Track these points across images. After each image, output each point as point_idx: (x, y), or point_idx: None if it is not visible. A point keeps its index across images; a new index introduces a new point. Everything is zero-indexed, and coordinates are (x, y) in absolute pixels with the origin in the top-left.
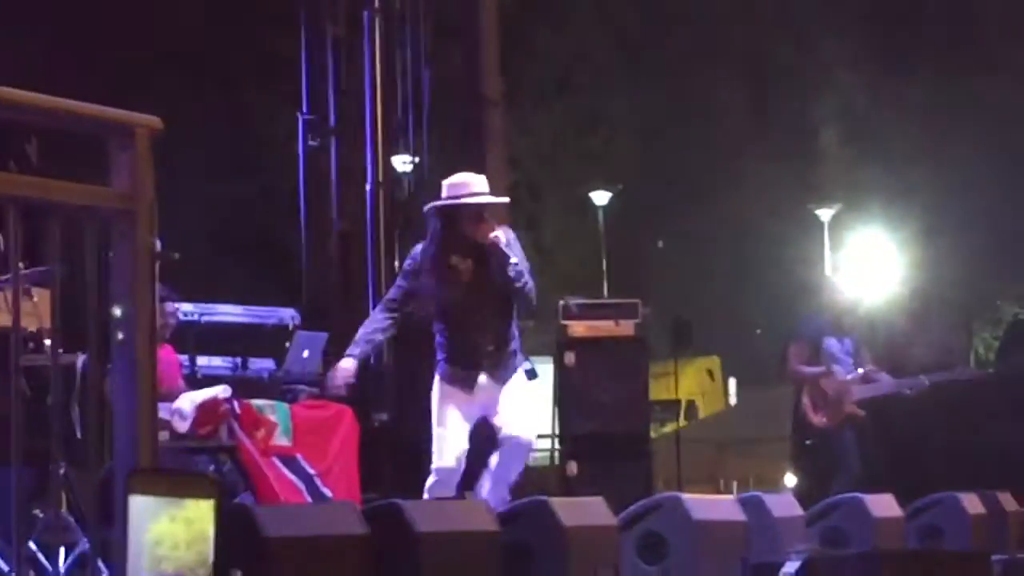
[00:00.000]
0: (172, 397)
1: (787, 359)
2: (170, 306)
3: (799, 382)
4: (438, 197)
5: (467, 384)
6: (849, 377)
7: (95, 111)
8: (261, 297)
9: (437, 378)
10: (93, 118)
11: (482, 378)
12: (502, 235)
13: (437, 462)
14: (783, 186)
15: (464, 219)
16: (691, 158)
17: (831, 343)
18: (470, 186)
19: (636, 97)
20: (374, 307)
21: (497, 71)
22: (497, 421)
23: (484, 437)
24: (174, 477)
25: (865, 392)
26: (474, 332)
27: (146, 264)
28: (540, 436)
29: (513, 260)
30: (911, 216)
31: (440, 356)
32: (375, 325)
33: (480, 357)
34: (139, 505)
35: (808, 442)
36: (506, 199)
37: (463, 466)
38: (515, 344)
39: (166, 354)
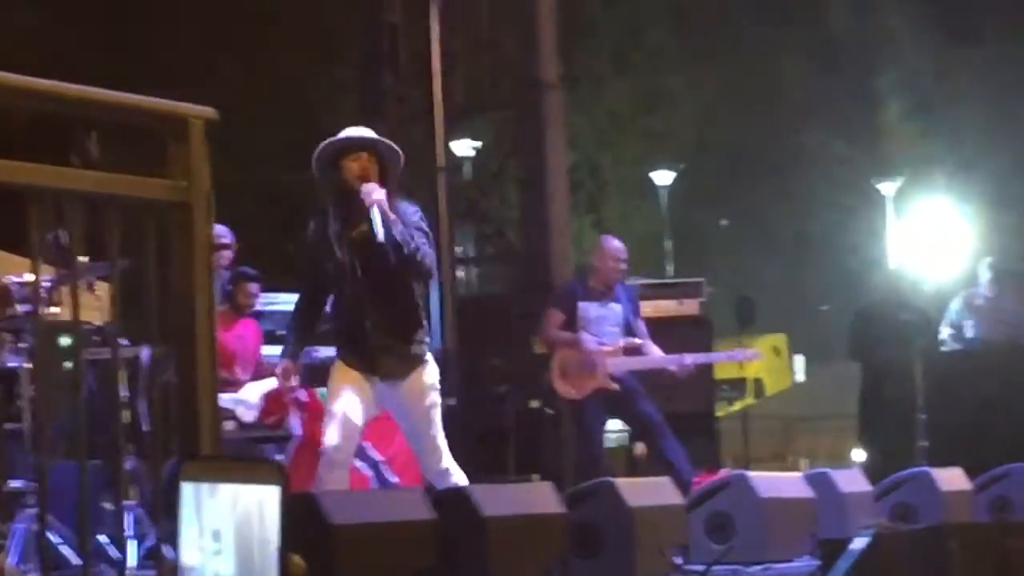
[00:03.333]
0: (255, 374)
1: (543, 325)
2: (254, 287)
3: (550, 347)
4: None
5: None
6: (607, 347)
7: (151, 104)
8: None
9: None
10: (149, 111)
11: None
12: (380, 196)
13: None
14: (846, 160)
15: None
16: (753, 135)
17: (588, 308)
18: (348, 132)
19: (695, 74)
20: (435, 291)
21: (554, 53)
22: (415, 447)
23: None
24: (237, 463)
25: (625, 365)
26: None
27: (204, 255)
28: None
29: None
30: (976, 189)
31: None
32: (296, 317)
33: (374, 349)
34: (198, 491)
35: (548, 410)
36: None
37: (353, 446)
38: (420, 334)
39: (247, 327)
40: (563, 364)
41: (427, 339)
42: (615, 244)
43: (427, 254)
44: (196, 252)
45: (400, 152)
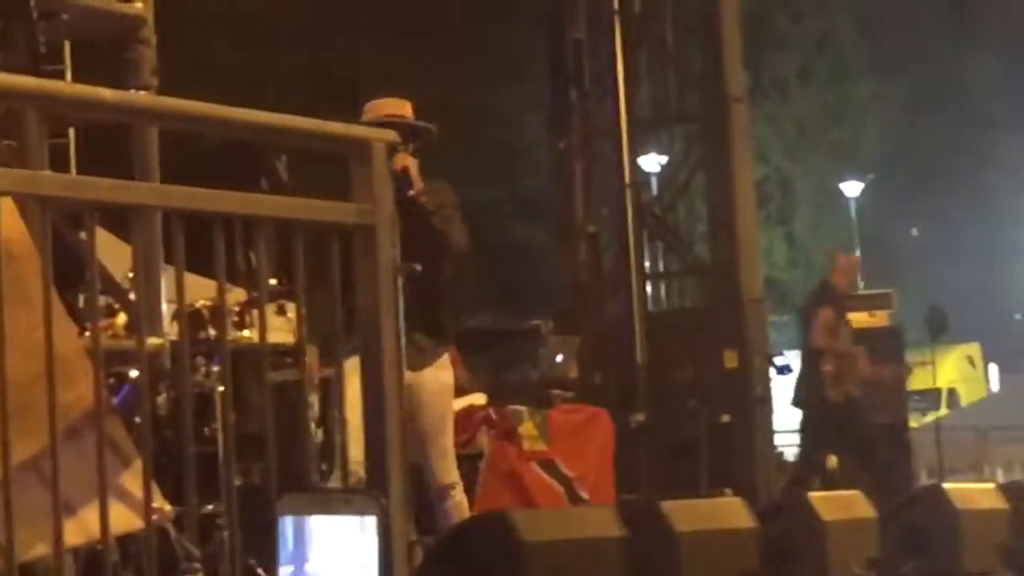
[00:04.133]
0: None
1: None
2: None
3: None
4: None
5: None
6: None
7: (335, 129)
8: (514, 303)
9: None
10: (333, 136)
11: None
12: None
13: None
14: None
15: None
16: (942, 142)
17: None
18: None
19: (883, 83)
20: (624, 310)
21: (740, 67)
22: (422, 453)
23: None
24: (335, 493)
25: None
26: None
27: (388, 277)
28: (797, 431)
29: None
30: None
31: None
32: None
33: None
34: (299, 525)
35: None
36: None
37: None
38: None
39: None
40: (838, 368)
41: (449, 336)
42: (851, 259)
43: (450, 227)
44: (381, 274)
45: (430, 128)
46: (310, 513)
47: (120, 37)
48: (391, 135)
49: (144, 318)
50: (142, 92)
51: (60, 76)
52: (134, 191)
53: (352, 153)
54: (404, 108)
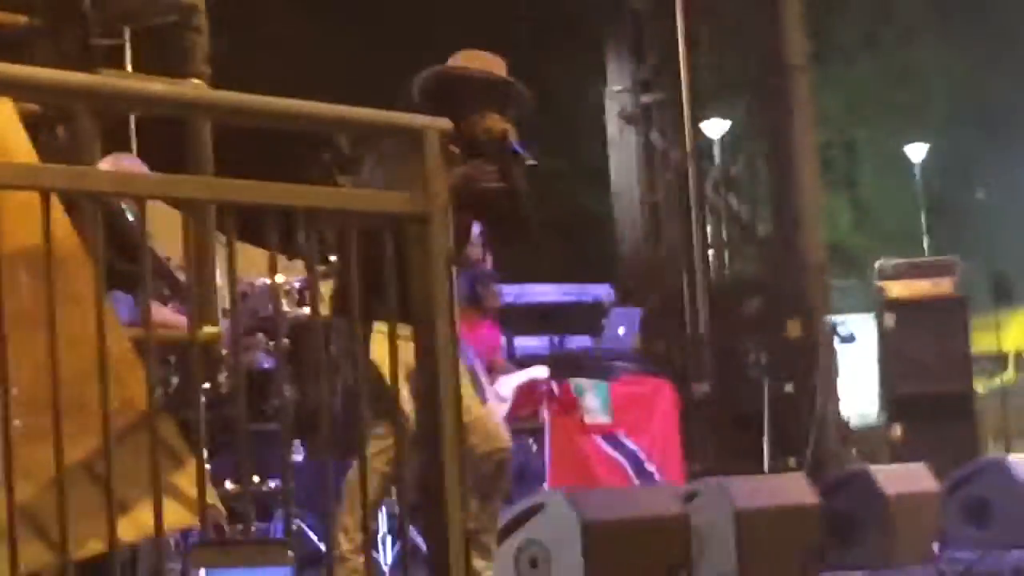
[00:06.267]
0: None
1: None
2: (495, 287)
3: None
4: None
5: None
6: None
7: (387, 117)
8: (576, 274)
9: None
10: (385, 124)
11: None
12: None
13: None
14: None
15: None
16: (1009, 104)
17: None
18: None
19: (948, 45)
20: (687, 279)
21: (801, 35)
22: None
23: None
24: (247, 546)
25: None
26: None
27: (441, 268)
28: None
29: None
30: None
31: None
32: None
33: None
34: None
35: None
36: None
37: None
38: None
39: (488, 329)
40: None
41: None
42: None
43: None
44: (434, 263)
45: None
46: (222, 566)
47: (172, 24)
48: (444, 123)
49: (196, 307)
50: (194, 81)
51: (120, 51)
52: (184, 185)
53: (404, 141)
54: (502, 68)
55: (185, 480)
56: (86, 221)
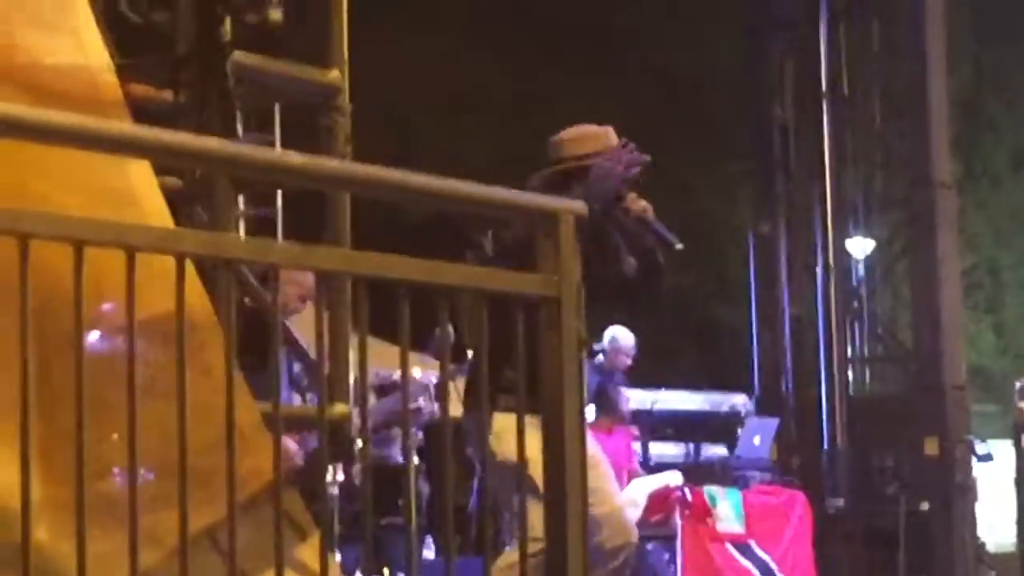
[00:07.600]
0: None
1: None
2: (626, 394)
3: None
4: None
5: None
6: None
7: (522, 199)
8: (713, 383)
9: None
10: (520, 206)
11: None
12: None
13: None
14: None
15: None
16: None
17: None
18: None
19: None
20: (826, 393)
21: (947, 152)
22: None
23: None
24: None
25: None
26: None
27: (572, 350)
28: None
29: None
30: None
31: None
32: None
33: None
34: None
35: None
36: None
37: None
38: None
39: (620, 438)
40: None
41: None
42: None
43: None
44: (565, 347)
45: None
46: None
47: (315, 105)
48: (579, 206)
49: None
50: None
51: (270, 145)
52: (318, 255)
53: (538, 223)
54: (613, 135)
55: (308, 554)
56: (220, 291)
